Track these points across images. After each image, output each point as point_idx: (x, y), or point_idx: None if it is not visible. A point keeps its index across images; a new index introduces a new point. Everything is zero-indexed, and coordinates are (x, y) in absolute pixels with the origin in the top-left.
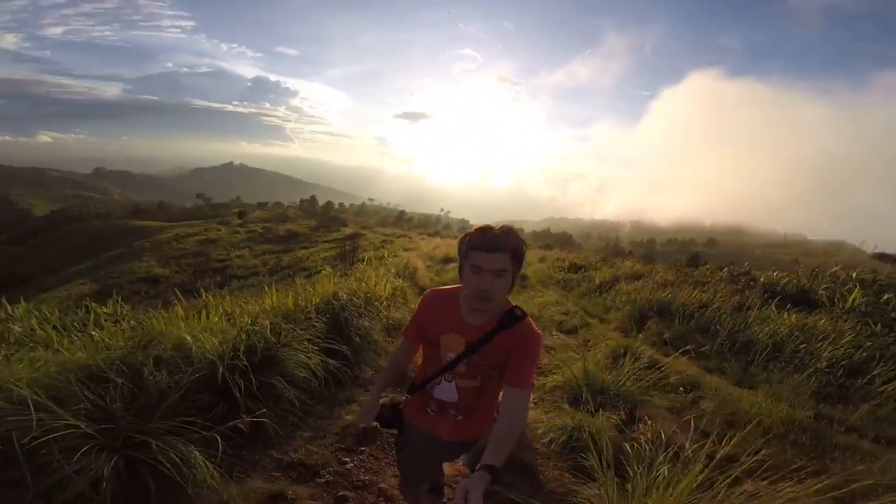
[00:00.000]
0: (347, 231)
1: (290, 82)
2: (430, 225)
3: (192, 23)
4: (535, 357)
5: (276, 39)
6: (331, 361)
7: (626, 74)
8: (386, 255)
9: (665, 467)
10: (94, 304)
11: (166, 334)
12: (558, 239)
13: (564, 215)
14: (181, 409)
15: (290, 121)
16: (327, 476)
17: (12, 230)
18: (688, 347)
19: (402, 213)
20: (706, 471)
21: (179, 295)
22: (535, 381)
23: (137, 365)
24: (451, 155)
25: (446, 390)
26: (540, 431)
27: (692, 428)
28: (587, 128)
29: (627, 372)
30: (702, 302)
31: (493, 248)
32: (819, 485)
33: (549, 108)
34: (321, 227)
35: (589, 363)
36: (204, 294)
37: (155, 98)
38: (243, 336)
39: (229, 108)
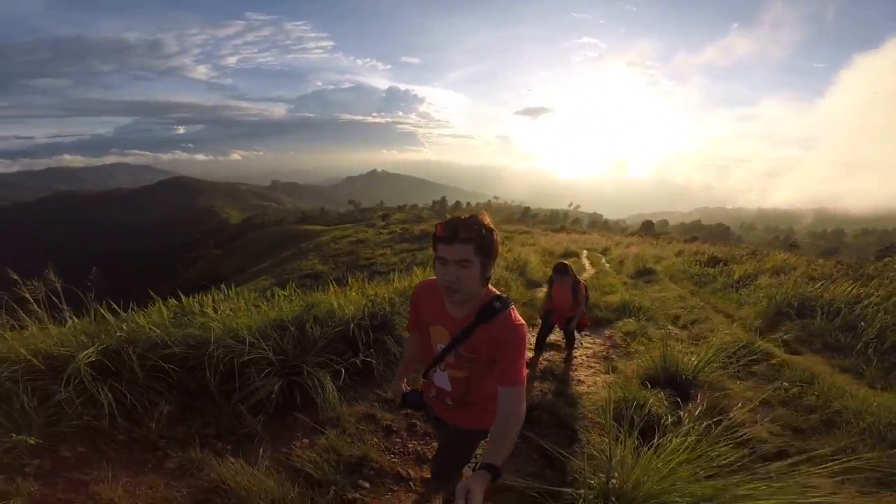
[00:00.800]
0: None
1: (416, 90)
2: (556, 221)
3: (330, 42)
4: (517, 350)
5: (401, 50)
6: None
7: (796, 46)
8: (501, 251)
9: (689, 438)
10: (277, 290)
11: (323, 302)
12: (711, 231)
13: (722, 205)
14: (325, 351)
15: (420, 126)
16: (392, 417)
17: (216, 236)
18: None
19: (527, 209)
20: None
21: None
22: (616, 366)
23: (303, 321)
24: (578, 148)
25: (441, 379)
26: (595, 399)
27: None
28: (750, 107)
29: (707, 359)
30: (856, 298)
31: (454, 238)
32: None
33: (697, 90)
34: None
35: (671, 350)
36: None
37: (311, 115)
38: (369, 305)
39: (369, 119)
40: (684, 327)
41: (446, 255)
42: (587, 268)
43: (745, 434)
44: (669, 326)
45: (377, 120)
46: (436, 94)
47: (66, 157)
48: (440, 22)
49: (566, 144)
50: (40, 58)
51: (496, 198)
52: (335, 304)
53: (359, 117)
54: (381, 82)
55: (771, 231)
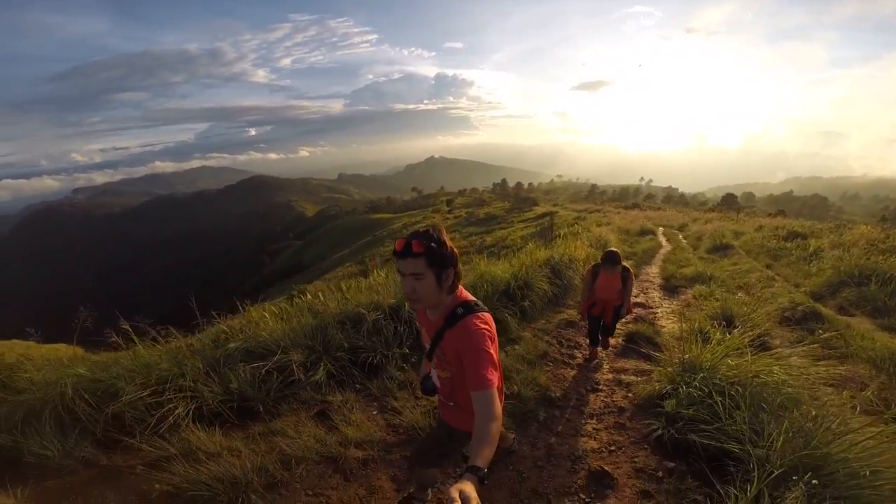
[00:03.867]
0: (539, 210)
1: (464, 74)
2: (627, 197)
3: (375, 35)
4: (478, 354)
5: (443, 36)
6: (551, 289)
7: None
8: (580, 231)
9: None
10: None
11: (488, 272)
12: (806, 203)
13: (822, 174)
14: (499, 303)
15: (472, 110)
16: (547, 337)
17: (295, 228)
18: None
19: (594, 186)
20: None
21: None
22: (689, 315)
23: (479, 284)
24: (647, 121)
25: (434, 377)
26: (673, 331)
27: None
28: (870, 66)
29: (748, 309)
30: None
31: (406, 253)
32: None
33: (783, 52)
34: (514, 209)
35: (730, 302)
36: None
37: (367, 108)
38: (517, 271)
39: (422, 107)
40: (751, 294)
41: (402, 268)
42: (663, 244)
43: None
44: (739, 294)
45: (429, 107)
46: (484, 77)
47: (158, 163)
48: (478, 3)
49: (632, 118)
50: (118, 74)
51: (559, 176)
52: (498, 270)
53: (411, 106)
54: (428, 70)
55: (880, 201)
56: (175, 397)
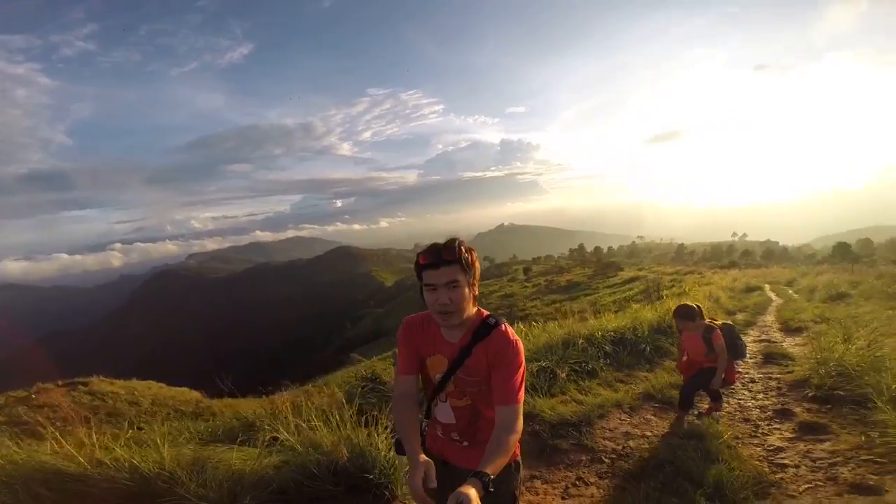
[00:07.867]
0: (626, 275)
1: (529, 137)
2: (720, 256)
3: (441, 106)
4: (515, 366)
5: (505, 102)
6: None
7: None
8: (686, 290)
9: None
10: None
11: (639, 315)
12: None
13: None
14: (655, 335)
15: (540, 174)
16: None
17: (375, 297)
18: None
19: (681, 246)
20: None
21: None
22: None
23: (636, 324)
24: (737, 170)
25: (444, 412)
26: (802, 352)
27: None
28: None
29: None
30: None
31: (440, 262)
32: None
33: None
34: (598, 275)
35: (851, 330)
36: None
37: (439, 177)
38: (661, 315)
39: (489, 174)
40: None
41: (434, 280)
42: (773, 298)
43: None
44: (860, 331)
45: (496, 174)
46: (550, 139)
47: (258, 232)
48: (534, 68)
49: (718, 168)
50: (231, 146)
51: (640, 237)
52: (647, 316)
53: (479, 173)
54: (493, 136)
55: None
56: None
